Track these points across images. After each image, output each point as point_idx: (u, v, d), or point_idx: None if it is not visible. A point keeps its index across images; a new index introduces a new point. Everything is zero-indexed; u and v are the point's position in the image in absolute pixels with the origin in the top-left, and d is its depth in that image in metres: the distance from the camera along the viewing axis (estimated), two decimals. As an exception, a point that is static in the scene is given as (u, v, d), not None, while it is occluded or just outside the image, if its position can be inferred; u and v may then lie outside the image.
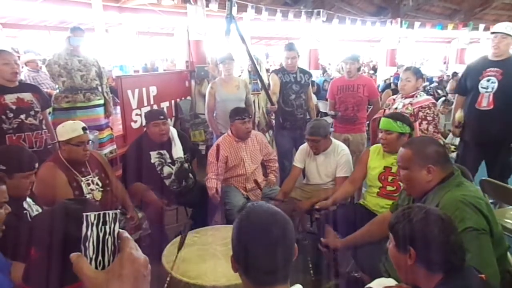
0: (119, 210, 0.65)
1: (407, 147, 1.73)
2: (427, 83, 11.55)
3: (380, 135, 2.54)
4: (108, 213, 0.58)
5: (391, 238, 1.31)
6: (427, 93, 8.05)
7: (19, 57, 4.51)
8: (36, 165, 1.99)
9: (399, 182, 2.46)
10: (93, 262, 0.57)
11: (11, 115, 2.76)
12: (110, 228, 0.58)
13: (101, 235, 0.57)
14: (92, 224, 0.57)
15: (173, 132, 3.05)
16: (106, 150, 3.87)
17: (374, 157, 2.65)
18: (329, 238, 2.23)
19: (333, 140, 3.10)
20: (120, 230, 0.59)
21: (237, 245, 1.03)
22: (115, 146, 4.07)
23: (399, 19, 11.59)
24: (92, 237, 0.57)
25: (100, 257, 0.57)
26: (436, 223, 1.21)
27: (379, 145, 2.65)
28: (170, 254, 2.05)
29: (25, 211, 1.87)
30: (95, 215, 0.58)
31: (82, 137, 2.33)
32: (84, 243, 0.57)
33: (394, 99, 3.37)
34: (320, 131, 2.91)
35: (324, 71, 11.43)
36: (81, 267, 0.56)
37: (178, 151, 3.00)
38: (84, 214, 0.57)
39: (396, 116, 2.50)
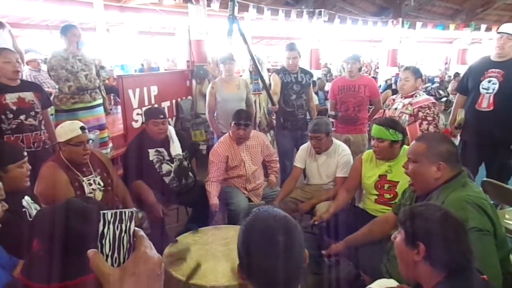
0: (135, 209, 0.65)
1: (421, 141, 1.73)
2: (429, 84, 11.53)
3: (372, 142, 2.53)
4: (125, 212, 0.60)
5: (400, 232, 1.29)
6: (429, 94, 8.04)
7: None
8: (25, 152, 1.99)
9: (396, 190, 2.45)
10: (109, 259, 0.58)
11: (10, 115, 2.74)
12: (126, 226, 0.60)
13: (117, 233, 0.59)
14: (109, 222, 0.59)
15: (171, 130, 3.06)
16: (108, 149, 3.87)
17: (367, 166, 2.62)
18: (329, 249, 2.22)
19: (334, 140, 3.09)
20: (136, 228, 0.61)
21: (242, 251, 0.99)
22: (111, 144, 4.08)
23: (400, 19, 11.56)
24: (108, 234, 0.59)
25: (116, 254, 0.59)
26: (452, 225, 1.20)
27: (370, 151, 2.62)
28: (170, 254, 2.05)
29: (24, 209, 1.87)
30: (112, 213, 0.59)
31: (81, 136, 2.31)
32: (101, 240, 0.58)
33: (393, 99, 3.36)
34: (322, 128, 2.91)
35: (327, 72, 11.27)
36: (98, 263, 0.57)
37: (176, 148, 3.01)
38: (101, 212, 0.59)
39: (389, 124, 2.45)
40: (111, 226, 0.59)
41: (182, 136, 3.21)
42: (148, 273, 0.57)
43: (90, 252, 0.58)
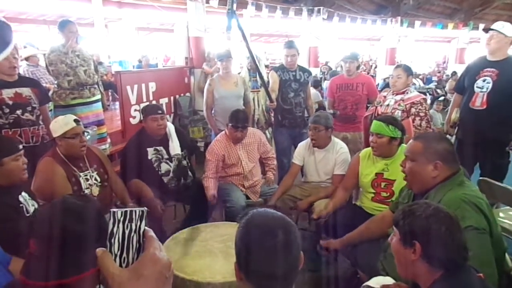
0: (145, 208, 0.63)
1: (419, 140, 1.74)
2: (431, 86, 11.48)
3: (371, 138, 2.52)
4: (135, 211, 0.59)
5: (395, 232, 1.30)
6: (428, 93, 8.05)
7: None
8: (21, 146, 1.97)
9: (392, 188, 2.46)
10: (117, 258, 0.57)
11: (7, 110, 2.74)
12: (136, 225, 0.58)
13: (126, 232, 0.58)
14: (119, 221, 0.58)
15: (171, 128, 3.04)
16: (106, 145, 3.86)
17: (365, 164, 2.62)
18: (328, 241, 2.23)
19: (333, 138, 3.09)
20: (146, 228, 0.59)
21: (240, 248, 0.99)
22: (109, 140, 4.07)
23: (399, 18, 11.59)
24: (118, 234, 0.57)
25: (124, 254, 0.57)
26: (444, 220, 1.20)
27: (368, 149, 2.62)
28: (167, 250, 2.05)
29: (21, 205, 1.86)
30: (122, 212, 0.58)
31: (76, 129, 2.32)
32: (110, 240, 0.57)
33: (385, 96, 3.39)
34: (322, 121, 2.91)
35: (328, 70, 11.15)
36: (106, 263, 0.56)
37: (175, 147, 2.99)
38: (112, 210, 0.58)
39: (389, 120, 2.45)
40: (120, 225, 0.57)
41: (182, 133, 3.19)
42: (156, 276, 0.56)
43: (99, 251, 0.57)
